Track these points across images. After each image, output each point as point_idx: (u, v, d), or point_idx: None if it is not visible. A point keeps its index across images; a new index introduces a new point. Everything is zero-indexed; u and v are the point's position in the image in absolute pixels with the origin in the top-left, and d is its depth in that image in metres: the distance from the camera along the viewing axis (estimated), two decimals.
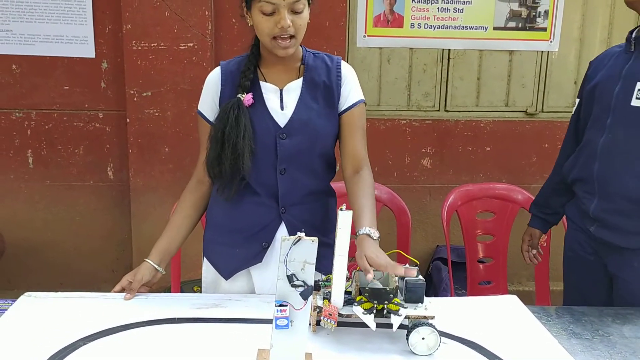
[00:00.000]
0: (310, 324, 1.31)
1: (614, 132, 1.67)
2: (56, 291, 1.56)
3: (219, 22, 2.90)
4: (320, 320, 1.32)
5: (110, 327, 1.38)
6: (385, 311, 1.29)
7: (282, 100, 1.54)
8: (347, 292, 1.32)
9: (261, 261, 1.59)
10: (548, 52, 3.19)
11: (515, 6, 3.11)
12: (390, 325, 1.26)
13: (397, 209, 2.28)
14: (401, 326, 1.27)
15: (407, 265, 1.31)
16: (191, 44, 2.83)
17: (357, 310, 1.29)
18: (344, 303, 1.30)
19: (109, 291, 1.55)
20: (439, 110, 3.22)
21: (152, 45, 2.81)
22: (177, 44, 2.82)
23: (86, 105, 3.01)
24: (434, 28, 3.10)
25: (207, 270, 1.68)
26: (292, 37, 1.45)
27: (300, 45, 1.56)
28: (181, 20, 2.80)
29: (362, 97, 1.60)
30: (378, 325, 1.27)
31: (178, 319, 1.43)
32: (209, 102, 1.59)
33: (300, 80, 1.55)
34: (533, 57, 3.20)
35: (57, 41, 2.93)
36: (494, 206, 2.41)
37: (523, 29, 3.14)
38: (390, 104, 3.20)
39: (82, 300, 1.52)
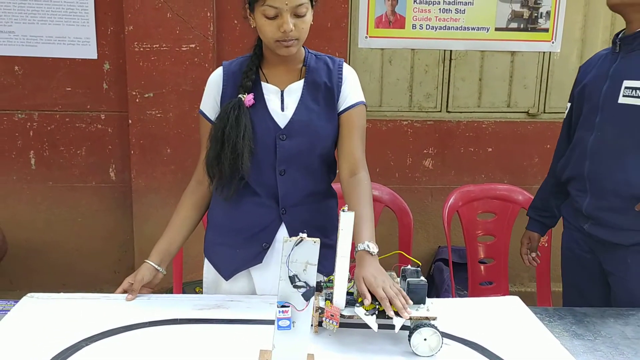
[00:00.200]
0: (312, 325, 1.31)
1: (603, 129, 1.70)
2: (58, 292, 1.56)
3: (221, 23, 2.90)
4: (322, 321, 1.33)
5: (113, 328, 1.38)
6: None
7: (282, 101, 1.54)
8: (349, 293, 1.32)
9: (261, 262, 1.58)
10: (550, 52, 3.19)
11: (517, 7, 3.11)
12: (392, 327, 1.26)
13: (398, 209, 2.28)
14: (403, 327, 1.27)
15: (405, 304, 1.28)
16: (193, 45, 2.83)
17: (359, 311, 1.29)
18: (346, 304, 1.30)
19: (111, 292, 1.55)
20: (440, 111, 3.22)
21: (154, 46, 2.82)
22: (179, 45, 2.82)
23: (88, 107, 3.02)
24: (436, 29, 3.10)
25: (208, 271, 1.68)
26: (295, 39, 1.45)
27: (303, 47, 1.56)
28: (183, 21, 2.80)
29: (363, 99, 1.59)
30: (380, 327, 1.27)
31: (180, 319, 1.43)
32: (210, 102, 1.59)
33: (302, 81, 1.55)
34: (535, 58, 3.20)
35: (59, 42, 2.93)
36: (495, 207, 2.41)
37: (525, 29, 3.14)
38: (391, 105, 3.20)
39: (84, 301, 1.52)
